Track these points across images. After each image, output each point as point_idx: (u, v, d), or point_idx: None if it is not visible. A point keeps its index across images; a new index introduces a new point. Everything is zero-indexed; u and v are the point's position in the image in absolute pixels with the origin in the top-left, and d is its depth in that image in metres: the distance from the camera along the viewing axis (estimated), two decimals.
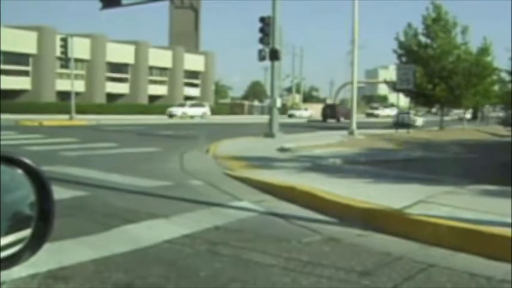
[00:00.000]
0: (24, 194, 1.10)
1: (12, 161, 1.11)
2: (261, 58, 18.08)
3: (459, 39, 25.86)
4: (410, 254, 3.80)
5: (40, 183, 1.11)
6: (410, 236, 4.18)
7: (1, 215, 1.04)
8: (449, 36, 25.54)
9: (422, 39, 26.10)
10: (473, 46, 26.22)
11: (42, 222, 1.10)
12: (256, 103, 63.67)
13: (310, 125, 32.10)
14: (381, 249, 3.93)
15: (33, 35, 44.97)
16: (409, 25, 26.23)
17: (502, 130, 22.08)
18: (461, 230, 4.10)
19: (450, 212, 4.67)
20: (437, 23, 25.40)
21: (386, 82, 29.40)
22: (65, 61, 30.32)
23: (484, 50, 25.95)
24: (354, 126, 20.01)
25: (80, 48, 36.44)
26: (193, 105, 43.77)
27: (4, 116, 27.65)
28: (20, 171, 1.10)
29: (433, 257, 3.73)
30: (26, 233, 1.08)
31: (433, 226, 4.26)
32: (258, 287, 3.19)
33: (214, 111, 47.05)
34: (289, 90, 75.33)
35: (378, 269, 3.46)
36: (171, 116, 39.73)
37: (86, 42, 47.05)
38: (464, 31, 25.63)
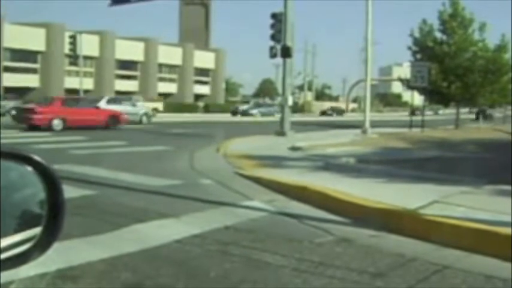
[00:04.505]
0: (34, 191, 1.08)
1: (21, 158, 1.08)
2: (273, 55, 17.87)
3: (476, 36, 25.42)
4: (425, 255, 3.73)
5: (50, 181, 1.09)
6: (425, 237, 4.10)
7: (10, 213, 1.02)
8: (466, 32, 25.14)
9: (438, 35, 25.76)
10: (491, 43, 25.80)
11: (52, 221, 1.08)
12: (267, 101, 63.55)
13: (322, 124, 31.94)
14: (395, 250, 3.86)
15: (41, 32, 44.80)
16: (424, 21, 25.89)
17: None
18: (477, 231, 4.02)
19: (466, 213, 4.58)
20: (454, 19, 25.01)
21: (400, 80, 28.92)
22: (73, 58, 30.35)
23: (501, 47, 25.49)
24: (367, 124, 19.82)
25: (89, 45, 36.42)
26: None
27: None
28: (29, 168, 1.08)
29: (447, 258, 3.65)
30: (36, 231, 1.06)
31: (448, 227, 4.18)
32: (269, 287, 3.14)
33: (224, 109, 46.81)
34: (301, 88, 75.17)
35: (392, 270, 3.40)
36: None
37: (95, 39, 46.99)
38: (481, 28, 25.19)
